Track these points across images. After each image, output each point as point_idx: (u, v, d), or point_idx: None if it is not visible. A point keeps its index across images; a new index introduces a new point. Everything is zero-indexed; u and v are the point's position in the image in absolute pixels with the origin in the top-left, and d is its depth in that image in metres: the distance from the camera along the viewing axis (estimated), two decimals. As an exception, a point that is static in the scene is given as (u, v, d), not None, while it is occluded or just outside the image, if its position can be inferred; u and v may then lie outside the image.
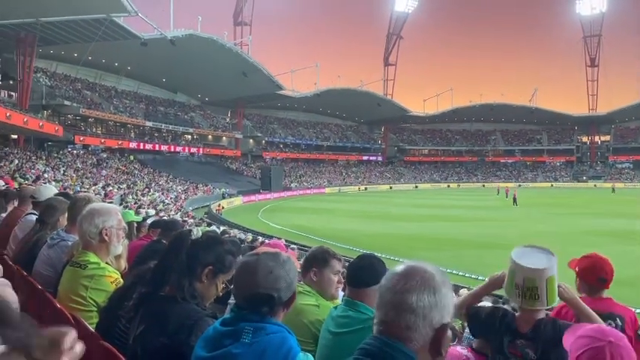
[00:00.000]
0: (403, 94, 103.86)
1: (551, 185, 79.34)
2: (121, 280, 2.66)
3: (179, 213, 28.65)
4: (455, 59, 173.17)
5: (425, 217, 32.82)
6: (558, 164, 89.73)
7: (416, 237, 23.83)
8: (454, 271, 14.80)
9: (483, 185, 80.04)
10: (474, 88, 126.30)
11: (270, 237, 17.62)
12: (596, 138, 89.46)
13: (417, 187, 77.32)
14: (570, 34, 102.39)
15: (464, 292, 10.70)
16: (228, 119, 71.70)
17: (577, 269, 3.04)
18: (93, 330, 2.22)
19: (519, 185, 73.07)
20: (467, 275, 14.98)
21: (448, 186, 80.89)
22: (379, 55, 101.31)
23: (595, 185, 74.67)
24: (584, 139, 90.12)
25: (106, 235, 2.72)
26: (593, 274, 2.96)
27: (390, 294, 1.23)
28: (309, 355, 1.61)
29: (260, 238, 16.56)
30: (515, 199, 41.57)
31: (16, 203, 5.17)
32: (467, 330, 5.46)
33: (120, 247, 2.85)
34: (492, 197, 50.85)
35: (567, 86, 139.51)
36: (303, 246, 16.65)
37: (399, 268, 1.29)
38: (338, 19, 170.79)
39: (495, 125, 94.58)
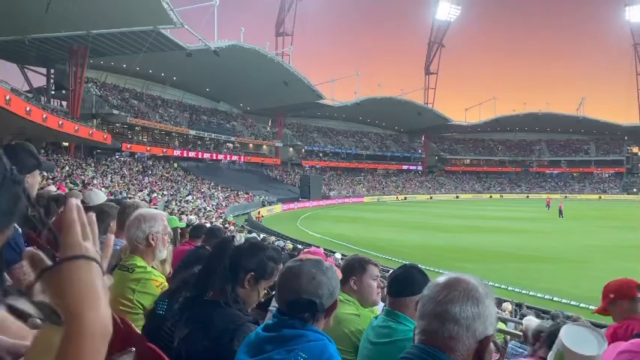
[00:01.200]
0: (444, 103, 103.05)
1: (600, 197, 76.45)
2: (166, 284, 2.72)
3: (220, 220, 29.11)
4: (498, 68, 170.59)
5: (467, 228, 32.18)
6: (607, 175, 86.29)
7: (458, 248, 23.39)
8: (496, 284, 14.44)
9: (527, 196, 77.95)
10: (518, 97, 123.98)
11: (309, 245, 17.66)
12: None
13: (457, 197, 76.04)
14: (619, 41, 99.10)
15: (507, 305, 10.45)
16: (268, 128, 72.63)
17: (612, 296, 2.92)
18: (139, 332, 2.29)
19: (565, 197, 70.84)
20: (510, 289, 14.61)
21: (490, 197, 79.10)
22: (420, 64, 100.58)
23: (646, 198, 71.62)
24: (635, 149, 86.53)
25: (152, 240, 2.77)
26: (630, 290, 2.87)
27: (432, 304, 1.23)
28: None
29: (299, 246, 16.61)
30: (560, 211, 40.31)
31: (66, 208, 5.36)
32: (510, 344, 5.33)
33: (165, 252, 2.89)
34: (537, 209, 49.33)
35: (616, 95, 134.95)
36: (342, 255, 16.60)
37: (442, 278, 1.29)
38: (379, 28, 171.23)
39: (540, 135, 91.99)
